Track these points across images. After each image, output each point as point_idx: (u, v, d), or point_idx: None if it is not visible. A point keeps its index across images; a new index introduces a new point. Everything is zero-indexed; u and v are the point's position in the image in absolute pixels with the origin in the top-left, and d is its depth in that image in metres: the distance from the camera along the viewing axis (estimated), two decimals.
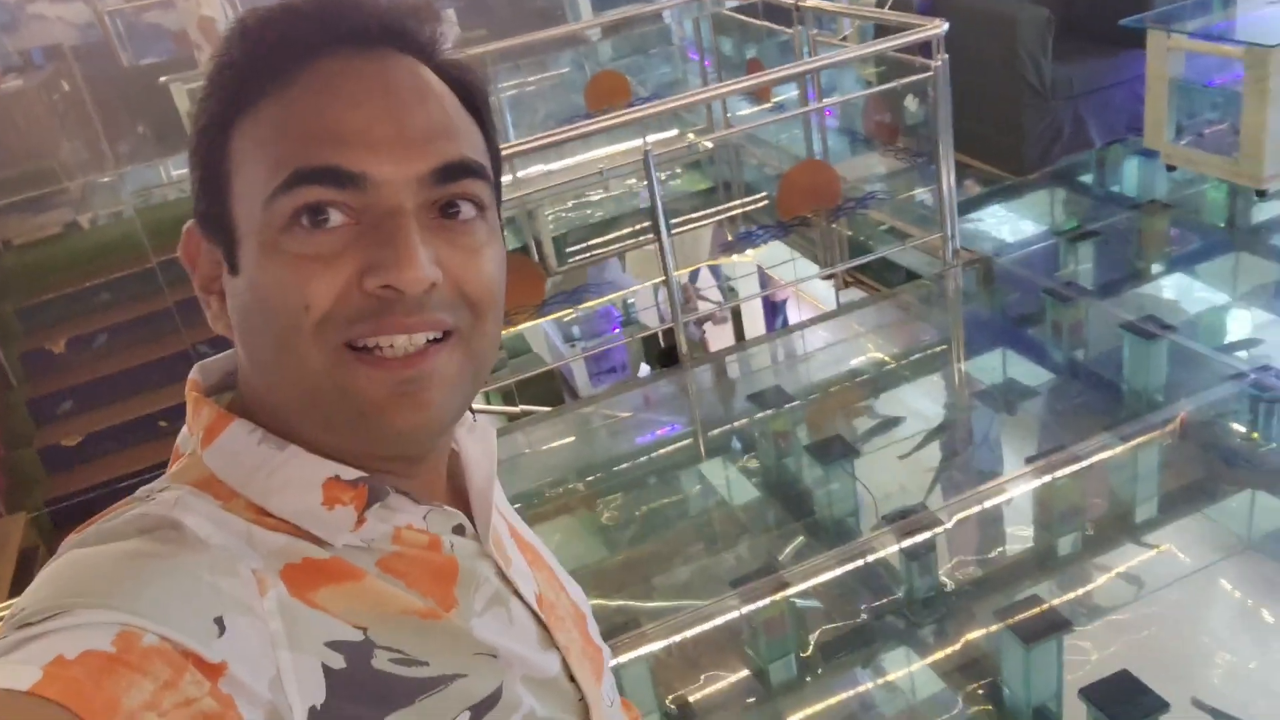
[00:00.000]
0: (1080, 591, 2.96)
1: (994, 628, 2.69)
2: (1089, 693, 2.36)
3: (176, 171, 6.72)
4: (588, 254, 5.47)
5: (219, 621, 0.58)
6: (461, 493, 0.77)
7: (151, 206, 6.54)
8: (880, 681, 2.78)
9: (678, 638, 2.88)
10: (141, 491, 0.67)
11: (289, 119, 0.64)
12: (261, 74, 0.65)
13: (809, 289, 5.91)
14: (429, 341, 0.65)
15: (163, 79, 6.62)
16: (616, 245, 5.59)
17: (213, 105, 0.67)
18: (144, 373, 5.51)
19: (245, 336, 0.68)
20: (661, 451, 3.83)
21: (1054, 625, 2.58)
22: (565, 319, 5.53)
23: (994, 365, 3.93)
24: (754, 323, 6.81)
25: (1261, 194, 4.26)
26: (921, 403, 3.89)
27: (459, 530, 0.73)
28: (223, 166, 0.66)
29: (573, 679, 0.77)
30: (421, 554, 0.70)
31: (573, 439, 4.02)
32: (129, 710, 0.52)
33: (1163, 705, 2.30)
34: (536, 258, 5.14)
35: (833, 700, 2.75)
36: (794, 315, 6.24)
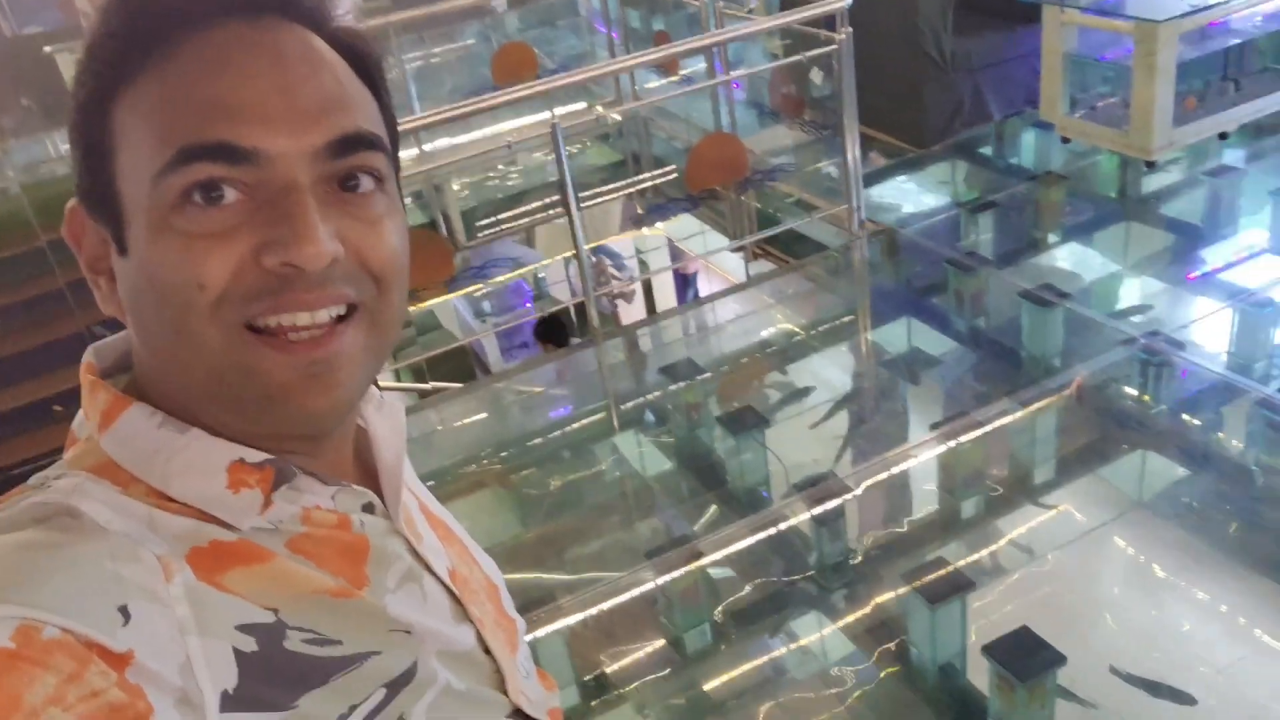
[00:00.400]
0: (983, 552, 3.05)
1: (901, 590, 2.76)
2: (991, 649, 2.44)
3: (65, 146, 6.45)
4: (497, 228, 5.42)
5: (123, 610, 0.56)
6: (370, 470, 0.76)
7: (39, 183, 6.27)
8: (793, 646, 2.84)
9: (593, 610, 2.90)
10: (36, 479, 0.65)
11: (174, 93, 0.61)
12: (144, 45, 0.62)
13: (719, 261, 5.95)
14: (333, 319, 0.64)
15: (48, 49, 6.34)
16: (526, 219, 5.55)
17: (92, 79, 0.64)
18: (36, 356, 5.31)
19: (139, 319, 0.66)
20: (574, 425, 3.84)
21: (958, 586, 2.66)
22: (475, 294, 5.49)
23: (899, 334, 4.02)
24: (665, 296, 6.85)
25: (1151, 165, 4.41)
26: (830, 372, 3.96)
27: (369, 508, 0.72)
28: (106, 143, 0.64)
29: (488, 651, 0.77)
30: (331, 533, 0.69)
31: (485, 415, 4.00)
32: (32, 706, 0.51)
33: (1060, 659, 2.39)
34: (445, 232, 5.08)
35: (747, 666, 2.81)
36: (704, 288, 6.29)
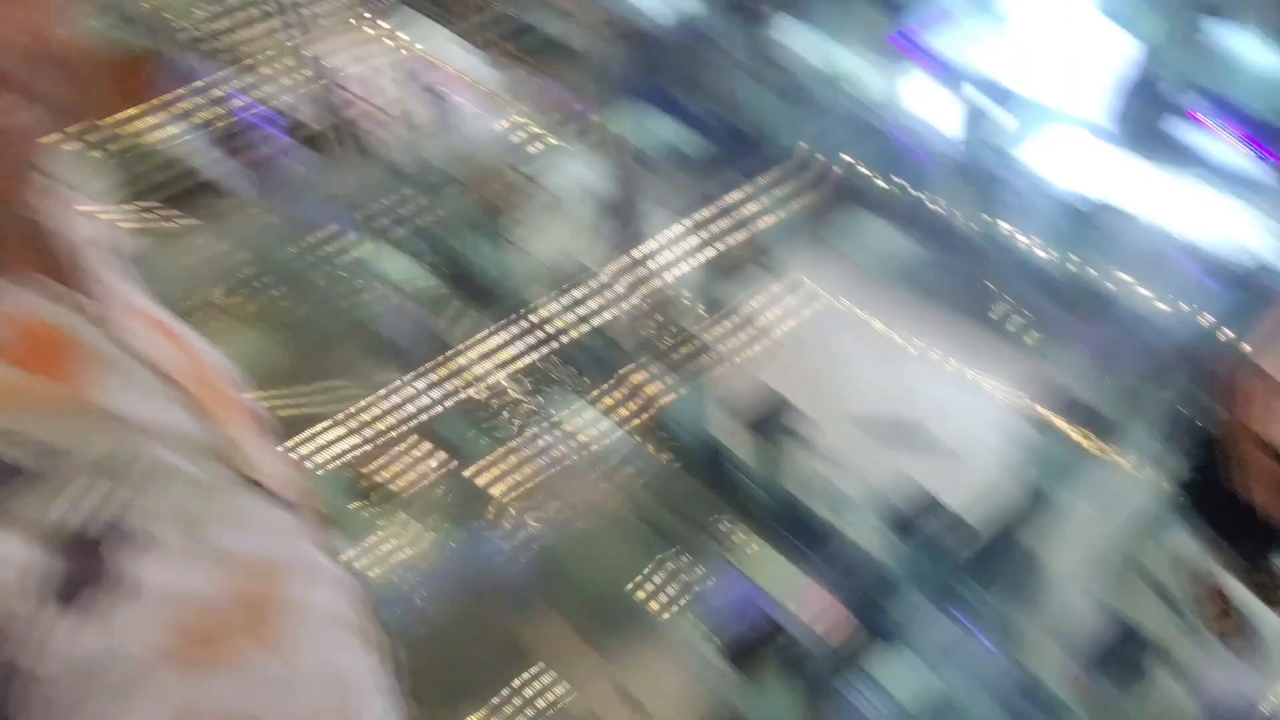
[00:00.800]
0: (735, 330, 3.21)
1: (659, 372, 2.89)
2: (749, 421, 2.62)
3: None
4: (209, 45, 4.99)
5: None
6: (69, 269, 0.73)
7: None
8: (561, 437, 2.93)
9: (358, 424, 2.90)
10: None
11: None
12: None
13: (462, 66, 5.74)
14: None
15: None
16: (244, 33, 5.13)
17: None
18: None
19: None
20: (327, 246, 3.70)
21: (710, 362, 2.82)
22: (208, 118, 5.10)
23: (643, 126, 4.05)
24: (408, 105, 6.58)
25: None
26: (578, 169, 3.96)
27: (75, 307, 0.69)
28: None
29: (220, 440, 0.77)
30: (35, 334, 0.66)
31: (231, 240, 3.80)
32: None
33: (803, 417, 2.60)
34: (144, 50, 4.65)
35: (520, 464, 2.88)
36: (450, 94, 6.08)
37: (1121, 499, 2.61)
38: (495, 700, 2.29)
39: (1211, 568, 2.29)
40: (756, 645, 2.15)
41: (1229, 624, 2.28)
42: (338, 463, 2.84)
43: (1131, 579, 2.44)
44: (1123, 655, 2.07)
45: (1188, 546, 2.35)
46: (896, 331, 3.17)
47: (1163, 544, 2.46)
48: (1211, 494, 2.11)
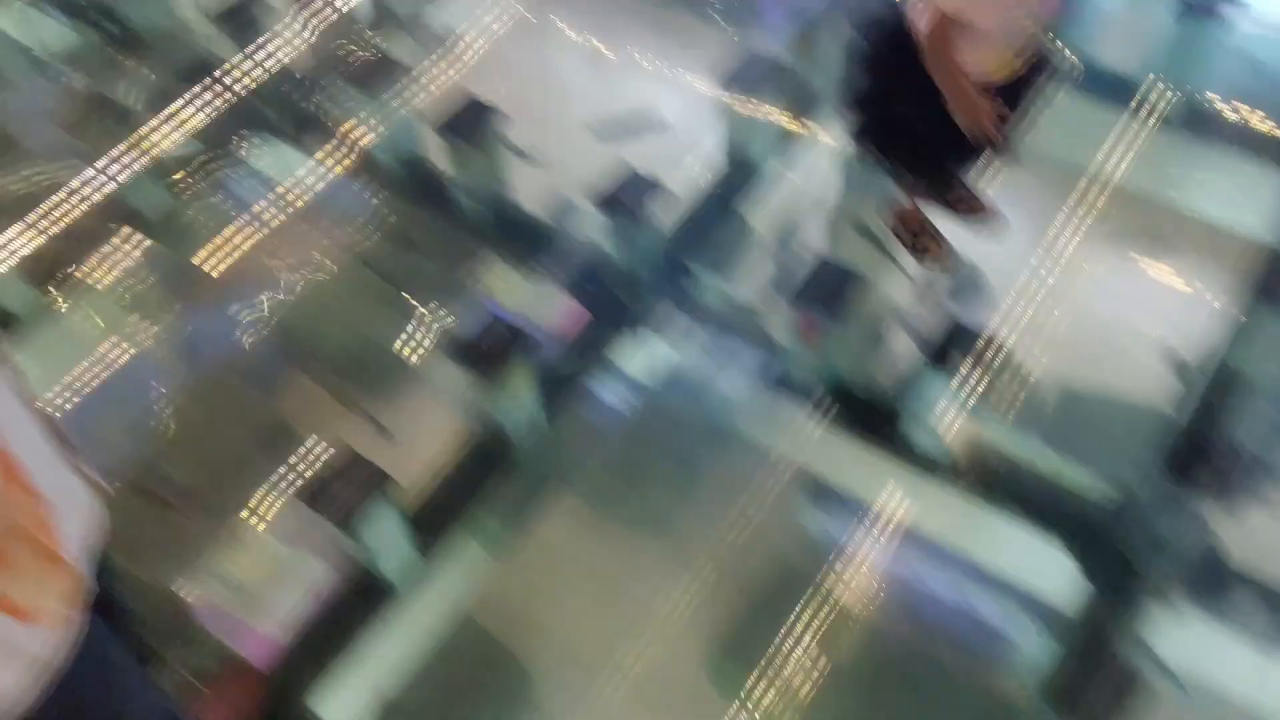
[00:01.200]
0: (424, 49, 3.05)
1: (360, 107, 2.73)
2: (441, 125, 2.55)
3: None
4: None
5: None
6: None
7: None
8: (270, 195, 2.75)
9: (48, 225, 2.63)
10: None
11: None
12: None
13: None
14: None
15: None
16: None
17: None
18: None
19: None
20: None
21: (411, 86, 2.70)
22: None
23: None
24: None
25: None
26: None
27: None
28: None
29: None
30: None
31: None
32: None
33: (504, 118, 2.54)
34: None
35: (226, 229, 2.69)
36: None
37: (819, 159, 2.70)
38: (273, 477, 2.22)
39: (905, 198, 2.43)
40: (501, 355, 2.15)
41: (929, 245, 2.45)
42: (22, 265, 2.57)
43: (837, 225, 2.57)
44: (835, 295, 2.18)
45: (882, 186, 2.47)
46: (593, 33, 3.08)
47: (860, 189, 2.58)
48: (891, 132, 2.23)
